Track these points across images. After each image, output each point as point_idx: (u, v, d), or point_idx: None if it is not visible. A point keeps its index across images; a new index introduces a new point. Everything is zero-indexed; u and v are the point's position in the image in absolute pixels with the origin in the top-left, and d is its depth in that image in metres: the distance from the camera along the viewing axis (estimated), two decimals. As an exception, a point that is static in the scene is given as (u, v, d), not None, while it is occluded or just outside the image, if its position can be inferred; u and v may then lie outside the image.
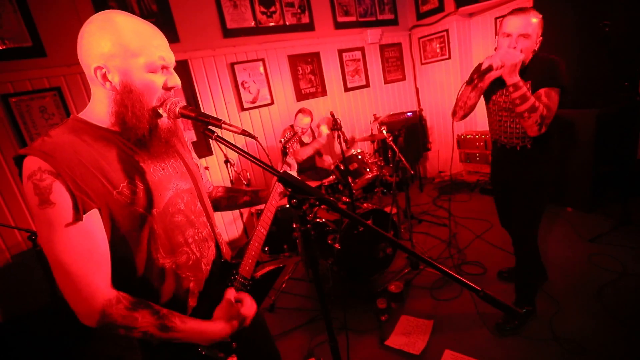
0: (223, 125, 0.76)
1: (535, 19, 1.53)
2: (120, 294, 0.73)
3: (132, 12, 2.77)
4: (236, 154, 3.52)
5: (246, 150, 0.78)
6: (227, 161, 2.88)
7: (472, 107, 1.80)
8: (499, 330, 1.93)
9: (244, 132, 0.78)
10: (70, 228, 0.68)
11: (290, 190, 0.90)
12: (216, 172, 3.47)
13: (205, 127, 0.79)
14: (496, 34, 4.22)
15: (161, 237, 0.81)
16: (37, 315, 2.40)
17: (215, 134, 0.79)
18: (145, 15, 2.95)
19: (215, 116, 0.78)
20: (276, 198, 1.09)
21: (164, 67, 0.78)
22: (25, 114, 2.64)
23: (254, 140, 0.81)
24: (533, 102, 1.52)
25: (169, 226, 0.82)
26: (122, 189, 0.74)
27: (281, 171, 0.78)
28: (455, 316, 2.12)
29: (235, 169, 2.84)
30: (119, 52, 0.71)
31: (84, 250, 0.69)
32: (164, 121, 0.82)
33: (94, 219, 0.71)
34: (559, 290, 2.15)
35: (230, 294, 0.87)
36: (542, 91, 1.56)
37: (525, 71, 1.62)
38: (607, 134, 2.84)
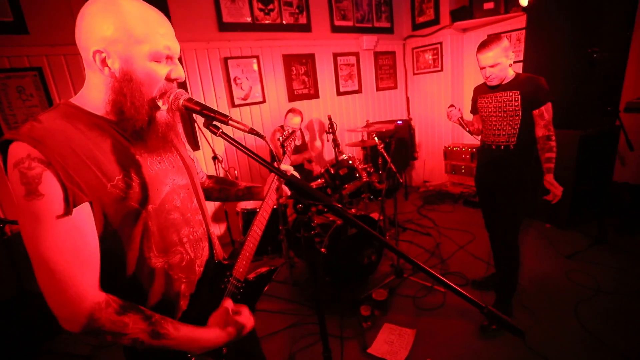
0: (230, 121, 0.72)
1: (497, 49, 1.81)
2: (109, 296, 0.67)
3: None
4: (223, 150, 3.46)
5: (250, 149, 0.74)
6: (215, 157, 2.80)
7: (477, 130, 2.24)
8: (483, 331, 2.03)
9: (252, 131, 0.74)
10: (58, 222, 0.61)
11: (289, 191, 0.87)
12: (202, 168, 3.37)
13: (210, 122, 0.74)
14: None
15: (155, 235, 0.75)
16: (0, 308, 2.25)
17: (221, 130, 0.74)
18: (138, 0, 2.84)
19: (221, 111, 0.73)
20: (273, 197, 1.05)
21: (168, 57, 0.73)
22: (0, 93, 2.47)
23: (262, 139, 0.78)
24: (554, 146, 1.86)
25: (164, 224, 0.77)
26: (116, 182, 0.69)
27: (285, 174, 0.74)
28: (438, 326, 2.13)
29: (223, 166, 2.77)
30: (121, 37, 0.66)
31: (72, 248, 0.63)
32: (163, 114, 0.76)
33: (84, 213, 0.65)
34: (536, 304, 2.20)
35: (228, 304, 0.83)
36: (543, 108, 1.86)
37: (512, 84, 1.91)
38: (587, 155, 2.95)
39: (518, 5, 3.40)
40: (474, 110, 2.20)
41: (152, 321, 0.69)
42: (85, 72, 0.74)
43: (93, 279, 0.66)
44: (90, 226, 0.66)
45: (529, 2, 3.17)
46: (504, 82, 1.92)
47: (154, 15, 0.71)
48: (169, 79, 0.74)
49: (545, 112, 1.86)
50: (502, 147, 2.00)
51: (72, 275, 0.62)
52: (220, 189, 1.19)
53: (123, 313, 0.66)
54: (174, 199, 0.80)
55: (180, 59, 0.77)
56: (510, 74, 1.91)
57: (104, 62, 0.67)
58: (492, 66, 1.85)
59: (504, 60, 1.83)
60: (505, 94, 1.92)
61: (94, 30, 0.66)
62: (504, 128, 1.97)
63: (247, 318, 0.84)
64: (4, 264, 2.19)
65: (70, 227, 0.63)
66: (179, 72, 0.76)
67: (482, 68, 1.90)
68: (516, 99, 1.89)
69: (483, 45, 1.85)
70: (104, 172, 0.67)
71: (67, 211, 0.62)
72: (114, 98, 0.70)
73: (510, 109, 1.92)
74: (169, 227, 0.78)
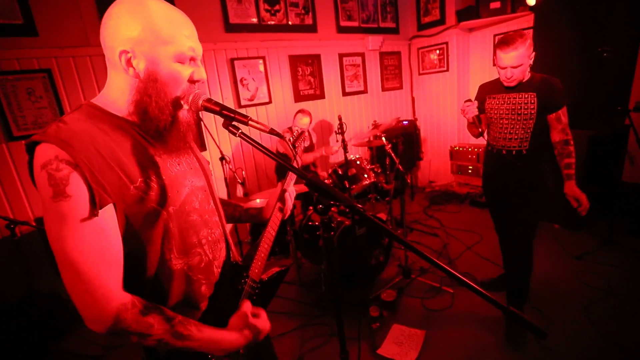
0: (250, 122, 0.72)
1: (522, 48, 1.66)
2: (134, 297, 0.67)
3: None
4: (231, 151, 3.47)
5: (266, 147, 0.74)
6: (222, 158, 2.80)
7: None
8: (508, 340, 1.94)
9: (272, 131, 0.74)
10: (85, 224, 0.62)
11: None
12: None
13: (229, 123, 0.74)
14: (494, 51, 4.30)
15: (175, 237, 0.75)
16: (11, 307, 2.26)
17: (240, 131, 0.75)
18: (146, 2, 2.86)
19: (241, 112, 0.74)
20: (290, 193, 1.05)
21: (192, 59, 0.74)
22: (10, 95, 2.49)
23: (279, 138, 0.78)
24: (573, 150, 1.80)
25: (184, 225, 0.77)
26: (139, 184, 0.69)
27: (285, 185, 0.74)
28: (447, 327, 2.12)
29: (230, 167, 2.77)
30: (148, 37, 0.67)
31: (98, 249, 0.63)
32: (185, 114, 0.77)
33: (109, 214, 0.65)
34: (547, 305, 2.18)
35: (247, 306, 0.84)
36: (560, 112, 1.79)
37: (528, 85, 1.80)
38: (596, 156, 2.92)
39: (525, 4, 3.39)
40: (480, 108, 2.04)
41: (176, 322, 0.69)
42: (108, 72, 0.74)
43: (118, 280, 0.66)
44: (114, 227, 0.66)
45: (536, 2, 3.15)
46: (517, 84, 1.81)
47: (180, 16, 0.72)
48: (191, 81, 0.75)
49: (562, 116, 1.78)
50: (513, 152, 1.89)
51: (98, 276, 0.63)
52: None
53: (148, 314, 0.66)
54: (193, 200, 0.81)
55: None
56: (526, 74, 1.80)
57: (129, 62, 0.68)
58: (514, 67, 1.70)
59: (527, 61, 1.71)
60: (520, 96, 1.80)
61: (121, 30, 0.67)
62: (517, 132, 1.85)
63: (265, 321, 0.85)
64: (15, 264, 2.21)
65: (96, 228, 0.63)
66: (202, 74, 0.76)
67: (502, 67, 1.75)
68: (532, 101, 1.77)
69: (506, 43, 1.68)
70: (127, 174, 0.68)
71: (93, 213, 0.62)
72: (138, 98, 0.71)
73: (525, 112, 1.80)
74: (189, 229, 0.79)
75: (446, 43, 4.25)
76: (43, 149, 0.62)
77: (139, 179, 0.69)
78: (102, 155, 0.65)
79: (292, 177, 1.09)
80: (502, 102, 1.88)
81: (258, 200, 2.55)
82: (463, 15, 3.95)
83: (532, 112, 1.80)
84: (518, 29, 3.75)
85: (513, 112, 1.84)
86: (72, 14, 2.64)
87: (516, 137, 1.87)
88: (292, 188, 1.10)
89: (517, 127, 1.85)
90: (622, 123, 2.81)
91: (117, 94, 0.72)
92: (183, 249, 0.77)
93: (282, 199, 1.03)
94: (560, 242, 2.94)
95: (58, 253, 0.61)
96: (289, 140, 1.15)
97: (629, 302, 2.15)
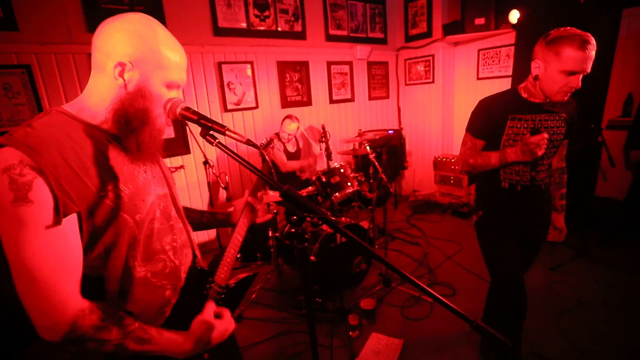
0: (227, 132, 0.73)
1: (594, 51, 1.30)
2: (92, 303, 0.67)
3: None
4: (215, 155, 3.44)
5: (245, 159, 0.74)
6: (206, 162, 2.78)
7: None
8: (483, 354, 1.91)
9: (249, 142, 0.75)
10: (47, 231, 0.61)
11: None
12: (192, 172, 3.35)
13: (206, 132, 0.75)
14: (478, 64, 4.38)
15: (140, 244, 0.76)
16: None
17: (217, 141, 0.75)
18: (134, 1, 2.83)
19: (219, 121, 0.74)
20: (246, 215, 1.06)
21: (177, 86, 0.79)
22: (-14, 90, 2.41)
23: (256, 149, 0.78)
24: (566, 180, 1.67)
25: (149, 233, 0.78)
26: (107, 192, 0.69)
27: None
28: (425, 336, 2.15)
29: (214, 171, 2.75)
30: (151, 59, 0.72)
31: (57, 256, 0.63)
32: (162, 123, 0.79)
33: (72, 222, 0.65)
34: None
35: (211, 307, 0.84)
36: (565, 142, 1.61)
37: (554, 103, 1.44)
38: (571, 170, 3.03)
39: (508, 21, 3.51)
40: (484, 133, 1.54)
41: (136, 326, 0.70)
42: (92, 75, 0.75)
43: (76, 287, 0.66)
44: (76, 235, 0.66)
45: (518, 20, 3.27)
46: (548, 100, 1.44)
47: (180, 49, 0.78)
48: None
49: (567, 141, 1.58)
50: (533, 187, 1.53)
51: (55, 283, 0.62)
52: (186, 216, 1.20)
53: (107, 319, 0.67)
54: (157, 208, 0.82)
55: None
56: None
57: (121, 73, 0.70)
58: (585, 73, 1.32)
59: None
60: (552, 117, 1.46)
61: (126, 45, 0.70)
62: (544, 162, 1.52)
63: (228, 321, 0.86)
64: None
65: (58, 236, 0.63)
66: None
67: (571, 72, 1.31)
68: (562, 124, 1.48)
69: (586, 40, 1.27)
70: (94, 182, 0.68)
71: (57, 221, 0.62)
72: (119, 107, 0.73)
73: (556, 138, 1.48)
74: (153, 236, 0.80)
75: (432, 55, 4.35)
76: (7, 152, 0.61)
77: (107, 188, 0.70)
78: (69, 164, 0.65)
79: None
80: (531, 124, 1.46)
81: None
82: (449, 29, 4.06)
83: (560, 137, 1.50)
84: (501, 45, 3.89)
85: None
86: (56, 10, 2.58)
87: (544, 169, 1.53)
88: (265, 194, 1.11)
89: (544, 156, 1.47)
90: (596, 140, 2.93)
91: (97, 99, 0.73)
92: (146, 256, 0.78)
93: (250, 204, 1.04)
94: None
95: (14, 258, 0.61)
96: (261, 145, 1.16)
97: (598, 312, 2.22)
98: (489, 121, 1.53)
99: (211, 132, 0.75)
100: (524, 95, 1.49)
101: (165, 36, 0.75)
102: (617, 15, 2.82)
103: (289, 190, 0.70)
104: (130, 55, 0.70)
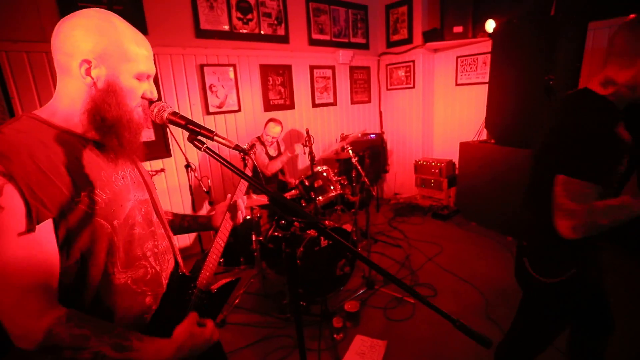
0: (215, 137, 0.73)
1: None
2: (69, 310, 0.66)
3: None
4: (197, 159, 3.39)
5: (232, 164, 0.75)
6: (187, 165, 2.73)
7: None
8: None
9: (237, 147, 0.76)
10: (20, 238, 0.60)
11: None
12: (173, 176, 3.29)
13: (194, 137, 0.75)
14: (457, 71, 4.50)
15: (119, 251, 0.75)
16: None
17: (205, 146, 0.75)
18: (113, 1, 2.76)
19: (206, 127, 0.74)
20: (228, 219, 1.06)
21: (147, 76, 0.78)
22: (-49, 90, 2.29)
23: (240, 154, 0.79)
24: None
25: (128, 239, 0.77)
26: (82, 198, 0.68)
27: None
28: (408, 337, 2.18)
29: (196, 175, 2.71)
30: (114, 53, 0.70)
31: (31, 263, 0.61)
32: (140, 116, 0.79)
33: (47, 229, 0.64)
34: (501, 316, 2.31)
35: (193, 316, 0.83)
36: None
37: None
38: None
39: (484, 30, 3.64)
40: (610, 168, 1.03)
41: (115, 333, 0.68)
42: (58, 79, 0.73)
43: (51, 294, 0.65)
44: (52, 241, 0.65)
45: (494, 29, 3.41)
46: None
47: (142, 38, 0.77)
48: (144, 97, 0.78)
49: None
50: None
51: (30, 291, 0.61)
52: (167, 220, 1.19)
53: (84, 326, 0.65)
54: (137, 214, 0.81)
55: (154, 63, 0.80)
56: None
57: (88, 71, 0.69)
58: None
59: None
60: None
61: (87, 42, 0.68)
62: None
63: (211, 330, 0.85)
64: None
65: (32, 242, 0.62)
66: (154, 92, 0.80)
67: None
68: None
69: None
70: (69, 188, 0.67)
71: (30, 228, 0.61)
72: (92, 107, 0.71)
73: None
74: (133, 242, 0.78)
75: (413, 61, 4.45)
76: None
77: (82, 193, 0.68)
78: (41, 169, 0.64)
79: (242, 188, 1.10)
80: None
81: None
82: (429, 36, 4.17)
83: None
84: (478, 52, 4.03)
85: None
86: (28, 7, 2.48)
87: None
88: (243, 198, 1.12)
89: None
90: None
91: (67, 102, 0.72)
92: (126, 262, 0.77)
93: (232, 208, 1.04)
94: (514, 253, 3.13)
95: None
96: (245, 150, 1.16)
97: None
98: (621, 146, 1.02)
99: (199, 137, 0.75)
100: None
101: (125, 28, 0.73)
102: (583, 28, 2.97)
103: (276, 195, 0.71)
104: (92, 51, 0.68)
